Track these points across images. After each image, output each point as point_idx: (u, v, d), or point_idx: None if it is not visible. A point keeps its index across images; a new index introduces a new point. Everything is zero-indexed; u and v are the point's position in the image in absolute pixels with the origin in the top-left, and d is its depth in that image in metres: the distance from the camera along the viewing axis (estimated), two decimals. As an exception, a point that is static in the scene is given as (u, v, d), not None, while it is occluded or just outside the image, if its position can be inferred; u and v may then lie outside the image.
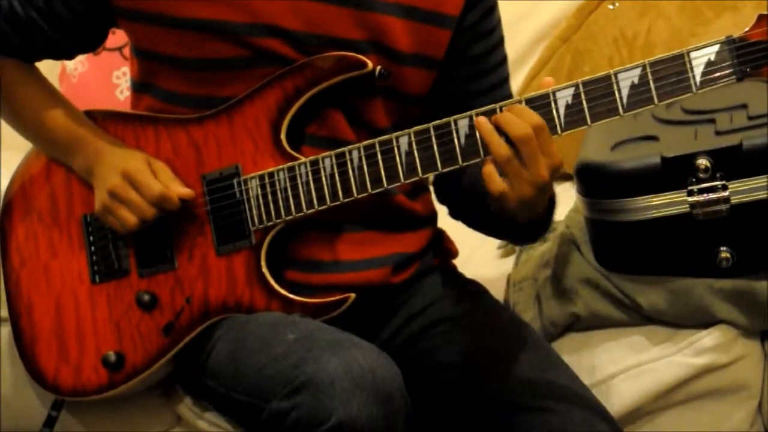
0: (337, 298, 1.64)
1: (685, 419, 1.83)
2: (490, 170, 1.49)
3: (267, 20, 1.63)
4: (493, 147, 1.48)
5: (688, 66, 1.46)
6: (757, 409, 1.87)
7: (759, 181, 1.77)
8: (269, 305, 1.65)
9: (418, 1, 1.66)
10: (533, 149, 1.47)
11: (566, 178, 2.33)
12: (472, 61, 1.71)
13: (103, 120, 1.75)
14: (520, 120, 1.47)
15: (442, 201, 1.82)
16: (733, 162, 1.78)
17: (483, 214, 1.63)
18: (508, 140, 1.47)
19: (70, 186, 1.75)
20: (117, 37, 1.81)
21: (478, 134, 1.51)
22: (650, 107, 1.47)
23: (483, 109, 1.53)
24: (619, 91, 1.48)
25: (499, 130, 1.48)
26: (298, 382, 1.47)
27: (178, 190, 1.66)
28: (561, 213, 2.01)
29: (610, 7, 2.39)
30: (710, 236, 1.80)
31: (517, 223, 1.56)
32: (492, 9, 1.72)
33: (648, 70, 1.47)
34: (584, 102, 1.49)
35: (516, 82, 2.44)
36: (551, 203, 1.61)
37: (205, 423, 1.78)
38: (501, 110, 1.51)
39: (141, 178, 1.65)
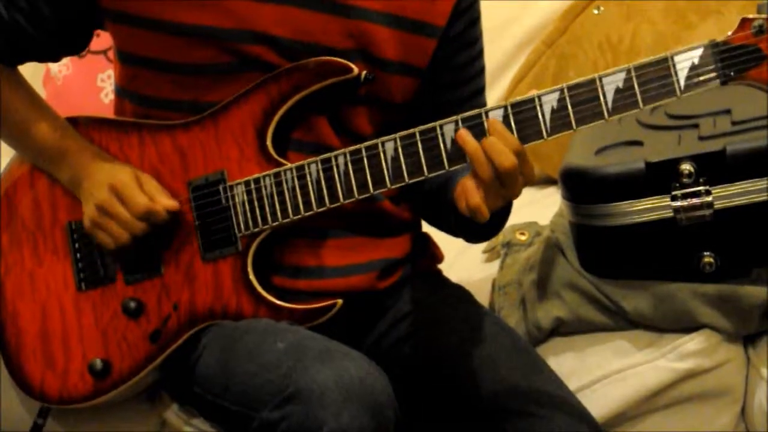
0: (325, 304, 1.64)
1: (669, 424, 1.84)
2: (471, 185, 1.50)
3: (254, 27, 1.63)
4: (479, 167, 1.49)
5: (672, 70, 1.46)
6: (740, 413, 1.87)
7: (742, 186, 1.78)
8: (256, 311, 1.65)
9: (406, 10, 1.66)
10: (514, 175, 1.49)
11: (551, 182, 2.35)
12: (455, 69, 1.72)
13: (87, 126, 1.74)
14: (506, 148, 1.48)
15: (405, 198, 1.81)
16: (716, 167, 1.78)
17: (442, 214, 1.67)
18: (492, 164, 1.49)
19: (54, 193, 1.75)
20: (102, 39, 1.80)
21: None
22: (635, 111, 1.48)
23: (467, 114, 1.53)
24: (604, 95, 1.48)
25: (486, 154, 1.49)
26: (288, 392, 1.47)
27: (164, 202, 1.65)
28: (546, 217, 2.03)
29: (595, 11, 2.40)
30: (694, 241, 1.81)
31: (478, 224, 1.58)
32: (476, 20, 1.74)
33: (633, 74, 1.47)
34: (569, 106, 1.49)
35: (501, 86, 2.45)
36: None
37: (192, 429, 1.77)
38: (487, 115, 1.52)
39: (128, 192, 1.65)
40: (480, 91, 1.77)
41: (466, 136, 1.50)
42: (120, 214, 1.65)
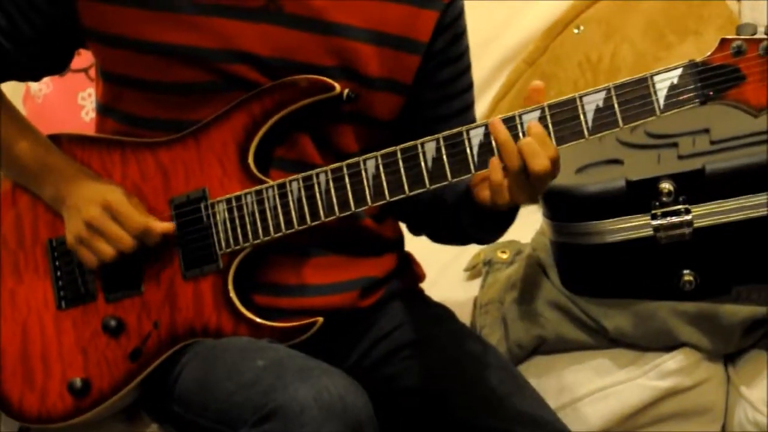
0: (305, 322, 1.63)
1: (650, 441, 1.85)
2: (498, 179, 1.50)
3: (236, 46, 1.63)
4: (508, 158, 1.49)
5: (651, 89, 1.47)
6: (720, 431, 1.88)
7: (721, 205, 1.79)
8: (237, 330, 1.65)
9: (388, 27, 1.66)
10: (546, 179, 1.50)
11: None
12: (439, 85, 1.72)
13: (69, 144, 1.73)
14: (544, 152, 1.48)
15: (400, 217, 1.81)
16: (695, 186, 1.80)
17: (448, 218, 1.66)
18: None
19: (35, 211, 1.74)
20: (82, 58, 1.80)
21: (492, 141, 1.51)
22: (615, 130, 1.49)
23: (449, 132, 1.54)
24: (585, 114, 1.49)
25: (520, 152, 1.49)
26: (267, 410, 1.46)
27: (161, 225, 1.65)
28: (527, 236, 2.03)
29: (576, 31, 2.42)
30: (674, 259, 1.81)
31: (493, 213, 1.57)
32: (460, 35, 1.73)
33: (613, 93, 1.48)
34: (550, 125, 1.50)
35: (482, 105, 2.45)
36: None
37: (172, 449, 1.77)
38: (468, 133, 1.52)
39: (124, 210, 1.64)
40: (468, 107, 1.76)
41: (497, 122, 1.50)
42: (112, 231, 1.64)
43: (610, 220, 1.82)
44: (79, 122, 2.43)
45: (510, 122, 1.51)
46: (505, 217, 1.62)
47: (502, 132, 1.50)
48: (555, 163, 1.49)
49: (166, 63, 1.63)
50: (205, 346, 1.65)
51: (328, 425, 1.44)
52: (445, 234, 1.77)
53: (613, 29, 2.38)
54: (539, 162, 1.48)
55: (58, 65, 1.75)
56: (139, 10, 1.62)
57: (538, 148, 1.48)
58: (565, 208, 1.85)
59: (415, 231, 1.82)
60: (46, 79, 2.42)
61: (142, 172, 1.69)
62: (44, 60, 1.72)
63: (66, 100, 2.48)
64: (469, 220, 1.64)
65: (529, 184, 1.50)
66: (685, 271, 1.82)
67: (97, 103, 1.76)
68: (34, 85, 2.49)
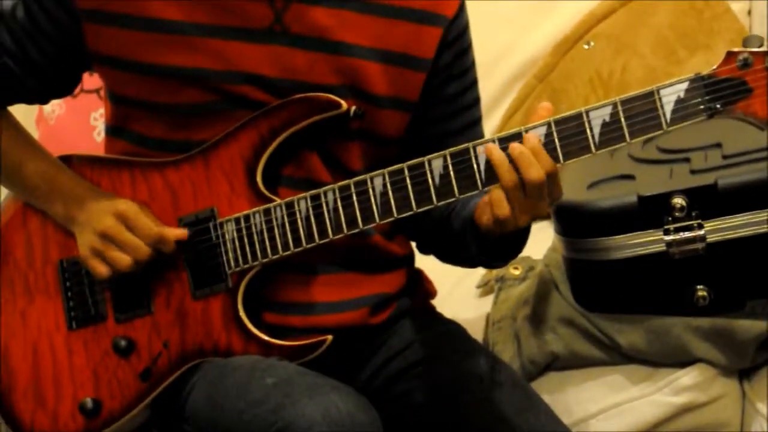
0: (315, 340, 1.63)
1: (665, 458, 1.84)
2: (500, 196, 1.50)
3: (242, 68, 1.63)
4: (503, 175, 1.49)
5: (658, 103, 1.46)
6: (736, 447, 1.87)
7: (734, 219, 1.78)
8: (247, 348, 1.64)
9: (393, 45, 1.66)
10: (542, 192, 1.49)
11: (544, 216, 2.34)
12: (446, 101, 1.72)
13: (79, 164, 1.74)
14: (538, 162, 1.48)
15: (410, 235, 1.81)
16: (708, 201, 1.79)
17: (455, 243, 1.66)
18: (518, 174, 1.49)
19: (45, 231, 1.74)
20: (94, 78, 1.81)
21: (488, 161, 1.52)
22: (622, 145, 1.48)
23: (455, 149, 1.54)
24: (591, 129, 1.48)
25: (513, 164, 1.49)
26: (276, 428, 1.46)
27: (174, 231, 1.65)
28: (539, 252, 2.02)
29: (586, 46, 2.41)
30: (687, 275, 1.81)
31: (499, 240, 1.58)
32: (465, 50, 1.73)
33: (619, 107, 1.48)
34: (556, 140, 1.49)
35: (493, 121, 2.45)
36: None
37: (183, 468, 1.76)
38: (474, 149, 1.52)
39: (139, 218, 1.64)
40: (475, 123, 1.76)
41: (491, 146, 1.51)
42: (127, 239, 1.64)
43: (623, 235, 1.81)
44: (92, 142, 2.44)
45: (516, 138, 1.51)
46: (512, 244, 1.62)
47: (496, 152, 1.50)
48: (551, 176, 1.49)
49: (172, 85, 1.64)
50: (215, 365, 1.64)
51: None
52: (452, 257, 1.77)
53: (623, 44, 2.38)
54: (534, 171, 1.48)
55: (66, 88, 1.76)
56: (145, 33, 1.63)
57: (532, 158, 1.48)
58: (577, 223, 1.84)
59: (424, 250, 1.82)
60: (58, 101, 2.45)
61: (150, 191, 1.69)
62: (52, 83, 1.73)
63: (78, 121, 2.49)
64: (476, 248, 1.64)
65: (526, 200, 1.49)
66: (699, 287, 1.81)
67: (106, 125, 1.77)
68: (46, 107, 2.50)
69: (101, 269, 1.66)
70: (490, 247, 1.61)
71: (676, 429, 1.83)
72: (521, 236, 1.62)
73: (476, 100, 1.77)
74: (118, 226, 1.65)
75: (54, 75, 1.71)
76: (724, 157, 1.87)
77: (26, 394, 1.73)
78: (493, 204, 1.51)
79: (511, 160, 1.49)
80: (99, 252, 1.66)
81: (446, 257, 1.78)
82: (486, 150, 1.51)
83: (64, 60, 1.69)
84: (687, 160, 1.90)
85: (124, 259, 1.65)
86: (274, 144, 1.64)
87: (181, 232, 1.65)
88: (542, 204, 1.51)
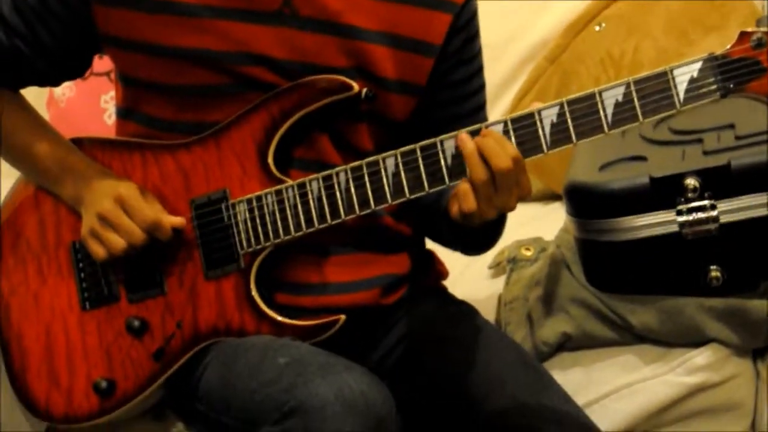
0: (327, 320, 1.64)
1: (678, 439, 1.84)
2: (465, 189, 1.52)
3: (251, 49, 1.63)
4: (473, 168, 1.51)
5: (671, 83, 1.46)
6: (750, 427, 1.86)
7: (747, 200, 1.78)
8: (259, 328, 1.65)
9: (402, 29, 1.66)
10: (510, 181, 1.50)
11: (555, 197, 2.34)
12: (453, 86, 1.72)
13: (90, 147, 1.74)
14: (503, 151, 1.49)
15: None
16: (721, 181, 1.78)
17: (437, 226, 1.68)
18: (487, 166, 1.50)
19: (58, 213, 1.75)
20: (105, 61, 1.81)
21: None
22: (635, 125, 1.48)
23: (469, 128, 1.54)
24: (604, 109, 1.48)
25: (481, 155, 1.50)
26: (288, 407, 1.47)
27: (171, 218, 1.66)
28: (551, 233, 2.02)
29: (597, 28, 2.41)
30: (700, 255, 1.80)
31: (471, 232, 1.60)
32: (474, 37, 1.73)
33: (632, 88, 1.47)
34: (569, 120, 1.49)
35: (504, 103, 2.45)
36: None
37: (198, 448, 1.77)
38: (487, 129, 1.52)
39: (135, 203, 1.65)
40: (480, 107, 1.76)
41: (466, 139, 1.52)
42: (123, 223, 1.65)
43: (635, 216, 1.81)
44: (102, 125, 2.44)
45: (529, 119, 1.51)
46: (484, 236, 1.64)
47: (468, 143, 1.51)
48: (517, 163, 1.50)
49: (182, 66, 1.64)
50: (228, 345, 1.65)
51: (350, 421, 1.44)
52: (439, 241, 1.79)
53: (635, 25, 2.37)
54: (501, 160, 1.49)
55: (77, 70, 1.76)
56: (155, 14, 1.63)
57: (498, 148, 1.49)
58: (589, 205, 1.84)
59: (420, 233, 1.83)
60: (69, 83, 2.45)
61: (162, 174, 1.70)
62: (63, 65, 1.73)
63: (89, 104, 2.49)
64: (451, 236, 1.66)
65: (497, 194, 1.51)
66: (712, 267, 1.80)
67: (117, 107, 1.77)
68: (57, 89, 2.50)
69: (99, 251, 1.67)
70: (463, 236, 1.63)
71: (689, 409, 1.83)
72: (494, 228, 1.64)
73: (482, 86, 1.78)
74: (116, 210, 1.65)
75: (64, 57, 1.71)
76: (737, 137, 1.86)
77: (40, 375, 1.74)
78: (460, 197, 1.52)
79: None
80: (97, 234, 1.67)
81: (435, 239, 1.80)
82: (459, 141, 1.52)
83: (74, 42, 1.69)
84: (700, 140, 1.89)
85: (118, 242, 1.66)
86: (286, 126, 1.64)
87: (179, 220, 1.66)
88: (511, 198, 1.52)
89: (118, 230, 1.65)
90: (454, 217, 1.56)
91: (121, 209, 1.66)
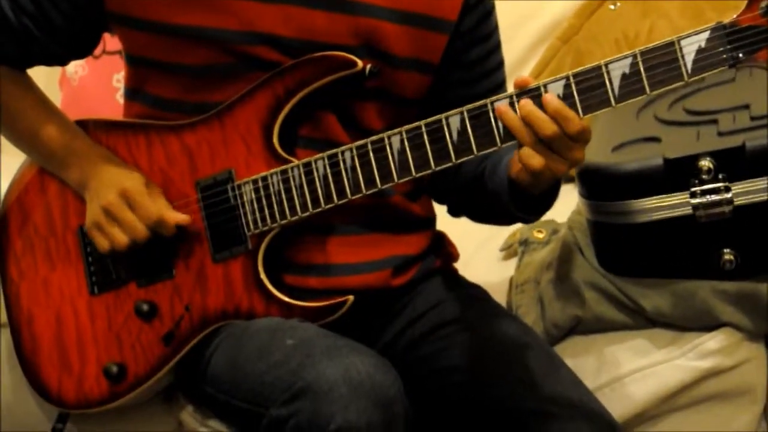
0: (336, 301, 1.63)
1: (689, 423, 1.82)
2: (526, 151, 1.48)
3: (258, 28, 1.63)
4: (519, 134, 1.48)
5: (679, 54, 1.44)
6: (762, 412, 1.85)
7: (762, 182, 1.76)
8: (268, 310, 1.65)
9: (414, 5, 1.65)
10: (565, 142, 1.47)
11: (568, 179, 2.32)
12: (468, 65, 1.71)
13: (95, 129, 1.74)
14: (543, 115, 1.47)
15: (439, 199, 1.81)
16: (736, 163, 1.76)
17: (491, 203, 1.65)
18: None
19: (65, 197, 1.75)
20: (116, 40, 1.81)
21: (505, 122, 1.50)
22: (642, 97, 1.45)
23: (472, 105, 1.52)
24: (611, 81, 1.46)
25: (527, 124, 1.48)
26: (296, 389, 1.47)
27: (174, 215, 1.66)
28: (563, 215, 2.01)
29: (612, 7, 2.39)
30: (713, 238, 1.78)
31: (533, 194, 1.57)
32: (488, 14, 1.71)
33: (639, 59, 1.45)
34: (575, 94, 1.47)
35: (516, 84, 2.43)
36: None
37: (207, 429, 1.77)
38: (492, 106, 1.51)
39: (139, 198, 1.65)
40: (499, 86, 1.74)
41: (504, 111, 1.49)
42: (127, 218, 1.65)
43: (648, 198, 1.79)
44: (114, 104, 2.44)
45: (535, 91, 1.49)
46: (546, 196, 1.61)
47: (509, 114, 1.48)
48: (564, 121, 1.47)
49: (187, 45, 1.63)
50: (237, 327, 1.65)
51: (357, 403, 1.43)
52: (487, 216, 1.76)
53: (650, 5, 2.35)
54: (547, 127, 1.46)
55: (84, 49, 1.76)
56: None
57: (539, 113, 1.47)
58: (602, 186, 1.82)
59: (455, 213, 1.81)
60: (81, 62, 2.45)
61: (167, 155, 1.69)
62: (71, 45, 1.73)
63: (101, 83, 2.49)
64: (516, 206, 1.62)
65: (553, 153, 1.48)
66: (726, 250, 1.78)
67: (125, 88, 1.77)
68: (69, 68, 2.50)
69: (102, 243, 1.68)
70: (527, 201, 1.60)
71: (701, 393, 1.81)
72: (555, 188, 1.61)
73: (500, 63, 1.75)
74: (120, 204, 1.66)
75: (73, 36, 1.71)
76: (753, 118, 1.84)
77: (51, 360, 1.74)
78: (523, 160, 1.49)
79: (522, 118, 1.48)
80: (100, 226, 1.67)
81: (481, 217, 1.77)
82: (497, 112, 1.50)
83: (83, 21, 1.69)
84: (714, 121, 1.87)
85: (121, 237, 1.66)
86: (290, 104, 1.63)
87: (183, 217, 1.66)
88: (575, 152, 1.49)
89: (121, 225, 1.66)
90: (524, 181, 1.52)
91: (126, 204, 1.65)
